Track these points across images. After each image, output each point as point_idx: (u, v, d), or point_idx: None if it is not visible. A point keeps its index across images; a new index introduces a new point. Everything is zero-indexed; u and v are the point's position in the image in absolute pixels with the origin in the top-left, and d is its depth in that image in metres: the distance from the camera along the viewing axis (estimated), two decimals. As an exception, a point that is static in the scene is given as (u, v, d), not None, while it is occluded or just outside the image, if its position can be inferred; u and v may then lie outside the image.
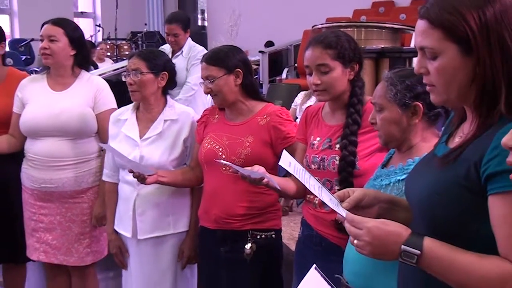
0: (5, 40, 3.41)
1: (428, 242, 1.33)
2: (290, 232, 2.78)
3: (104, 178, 3.04)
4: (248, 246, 2.58)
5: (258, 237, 2.61)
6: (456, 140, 1.45)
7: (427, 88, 1.46)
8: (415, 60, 4.89)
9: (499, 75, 1.33)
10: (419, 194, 1.44)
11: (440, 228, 1.36)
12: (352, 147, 2.28)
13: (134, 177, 2.64)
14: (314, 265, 1.37)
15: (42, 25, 3.14)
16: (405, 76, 1.95)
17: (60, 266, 3.22)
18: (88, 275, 3.27)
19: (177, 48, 5.03)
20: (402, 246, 1.33)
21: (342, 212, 1.48)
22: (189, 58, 5.01)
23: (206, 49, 5.30)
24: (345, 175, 2.27)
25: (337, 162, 2.30)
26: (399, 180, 1.90)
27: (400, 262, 1.35)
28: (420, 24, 1.41)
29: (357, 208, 1.52)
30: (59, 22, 3.13)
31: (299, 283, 2.43)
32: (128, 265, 2.95)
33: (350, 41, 2.36)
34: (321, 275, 1.33)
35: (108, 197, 3.02)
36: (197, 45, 5.23)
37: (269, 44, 10.93)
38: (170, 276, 2.88)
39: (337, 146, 2.33)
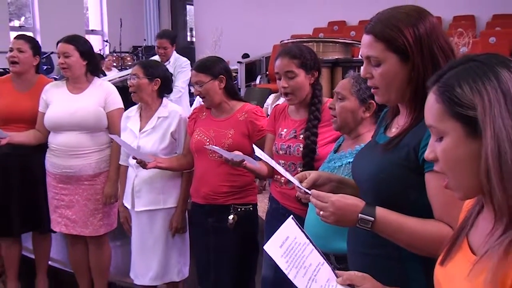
0: (39, 54, 3.39)
1: (380, 210, 1.35)
2: (264, 206, 2.81)
3: (121, 162, 3.07)
4: (231, 217, 2.61)
5: (239, 209, 2.64)
6: (393, 130, 1.47)
7: (372, 90, 1.47)
8: (362, 68, 5.00)
9: (429, 77, 1.36)
10: (367, 173, 1.46)
11: (386, 200, 1.38)
12: (313, 137, 2.32)
13: (137, 162, 2.67)
14: (291, 216, 1.36)
15: (57, 43, 3.14)
16: None
17: (79, 236, 3.21)
18: (102, 243, 3.28)
19: (165, 59, 5.02)
20: (359, 215, 1.35)
21: (303, 188, 1.50)
22: (175, 67, 5.00)
23: (194, 61, 5.33)
24: (308, 160, 2.31)
25: (301, 149, 2.34)
26: (349, 162, 1.93)
27: (357, 227, 1.36)
28: (366, 38, 1.42)
29: (313, 186, 1.54)
30: (69, 39, 3.12)
31: None
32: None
33: (311, 53, 2.40)
34: (297, 224, 1.32)
35: (121, 177, 3.05)
36: (181, 56, 5.25)
37: (245, 56, 10.92)
38: (161, 242, 2.88)
39: (301, 136, 2.36)
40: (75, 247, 3.32)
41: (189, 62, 5.20)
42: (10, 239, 3.43)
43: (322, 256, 1.30)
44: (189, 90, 5.23)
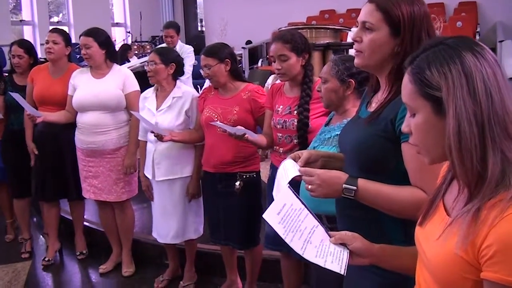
0: (71, 45, 3.34)
1: (361, 181, 1.29)
2: (266, 172, 2.75)
3: (140, 137, 2.99)
4: (237, 183, 2.54)
5: (244, 176, 2.57)
6: (374, 105, 1.38)
7: (355, 53, 1.37)
8: (351, 51, 4.86)
9: None
10: (352, 144, 1.38)
11: (368, 167, 1.31)
12: (306, 113, 2.25)
13: (154, 136, 2.60)
14: (288, 185, 1.28)
15: (79, 36, 3.07)
16: (346, 60, 1.95)
17: (105, 202, 3.18)
18: (125, 208, 3.24)
19: (172, 46, 4.90)
20: (344, 185, 1.29)
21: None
22: (181, 53, 4.86)
23: (203, 47, 5.23)
24: (302, 132, 2.24)
25: (295, 123, 2.26)
26: (337, 134, 1.87)
27: (342, 196, 1.30)
28: (368, 5, 1.33)
29: (306, 164, 1.45)
30: (88, 33, 3.05)
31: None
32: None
33: (302, 38, 2.32)
34: (293, 192, 1.24)
35: (141, 150, 2.98)
36: (185, 44, 5.20)
37: (248, 42, 10.80)
38: (180, 206, 2.84)
39: (295, 112, 2.28)
40: (103, 211, 3.30)
41: (192, 49, 5.17)
42: (49, 203, 3.42)
43: (316, 219, 1.21)
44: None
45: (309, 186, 1.31)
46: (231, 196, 2.58)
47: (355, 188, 1.28)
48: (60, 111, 3.16)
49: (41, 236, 3.98)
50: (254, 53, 9.75)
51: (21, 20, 10.53)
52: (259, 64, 9.39)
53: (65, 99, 3.16)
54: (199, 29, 14.29)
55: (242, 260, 2.85)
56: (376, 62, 1.33)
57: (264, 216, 1.20)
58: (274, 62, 2.31)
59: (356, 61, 1.37)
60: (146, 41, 11.34)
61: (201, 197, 2.91)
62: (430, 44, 0.96)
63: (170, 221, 2.85)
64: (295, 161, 1.46)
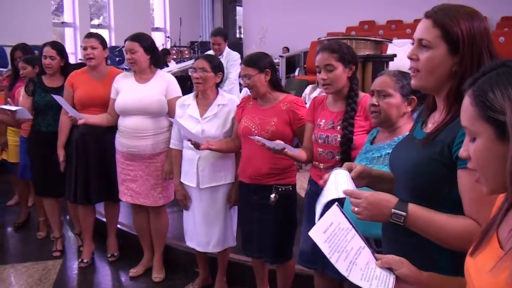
0: (107, 47, 3.38)
1: (412, 206, 1.23)
2: (300, 184, 2.72)
3: (171, 146, 2.97)
4: (272, 195, 2.51)
5: (280, 189, 2.53)
6: (430, 126, 1.33)
7: (412, 73, 1.32)
8: (391, 63, 4.75)
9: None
10: (404, 166, 1.33)
11: (420, 191, 1.26)
12: (350, 128, 2.19)
13: (191, 144, 2.59)
14: (336, 203, 1.24)
15: (125, 41, 3.08)
16: (404, 74, 1.86)
17: (141, 206, 3.19)
18: (160, 212, 3.24)
19: (219, 53, 4.89)
20: (393, 210, 1.23)
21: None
22: (228, 60, 4.88)
23: (241, 55, 5.23)
24: (345, 148, 2.18)
25: (338, 139, 2.20)
26: (388, 153, 1.79)
27: (390, 222, 1.25)
28: (425, 21, 1.27)
29: (357, 178, 1.42)
30: (134, 37, 3.07)
31: (307, 223, 2.36)
32: (190, 207, 2.90)
33: (349, 48, 2.26)
34: (341, 211, 1.21)
35: (174, 159, 2.95)
36: (232, 51, 5.11)
37: (285, 48, 10.82)
38: (222, 214, 2.82)
39: (338, 127, 2.23)
40: (138, 214, 3.31)
41: (239, 55, 5.07)
42: (87, 206, 3.46)
43: (363, 241, 1.18)
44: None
45: (356, 209, 1.27)
46: (265, 209, 2.55)
47: (405, 214, 1.22)
48: (101, 114, 3.19)
49: (72, 235, 4.05)
50: (291, 62, 9.73)
51: (62, 22, 10.84)
52: (296, 73, 9.37)
53: (106, 102, 3.19)
54: (237, 36, 14.41)
55: (273, 273, 2.81)
56: (433, 82, 1.28)
57: (310, 233, 1.17)
58: (319, 72, 2.26)
59: (412, 81, 1.32)
60: (185, 46, 11.50)
61: (236, 206, 2.90)
62: (491, 66, 0.93)
63: (212, 229, 2.83)
64: (349, 170, 1.42)
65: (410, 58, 1.30)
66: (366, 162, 1.87)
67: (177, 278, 3.29)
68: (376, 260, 1.15)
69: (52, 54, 3.47)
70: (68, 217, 4.35)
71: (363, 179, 1.42)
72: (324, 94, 2.39)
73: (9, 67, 4.43)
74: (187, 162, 2.85)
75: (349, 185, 1.31)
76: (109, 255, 3.57)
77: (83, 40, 3.30)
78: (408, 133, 1.70)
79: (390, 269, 1.13)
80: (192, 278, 3.18)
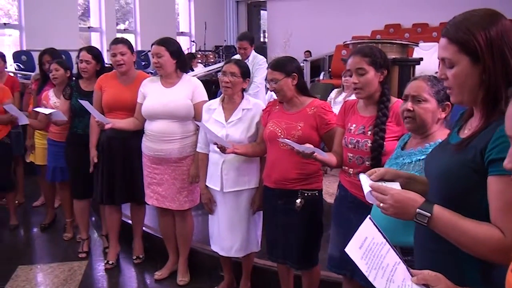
0: (134, 51, 3.41)
1: (437, 208, 1.22)
2: (326, 189, 2.69)
3: (198, 149, 2.99)
4: (298, 201, 2.48)
5: (306, 194, 2.51)
6: (466, 132, 1.32)
7: (447, 91, 1.32)
8: (417, 67, 4.67)
9: (499, 80, 1.20)
10: (437, 170, 1.32)
11: (452, 197, 1.24)
12: (382, 133, 2.15)
13: (217, 147, 2.60)
14: (369, 216, 1.25)
15: (152, 45, 3.11)
16: (439, 80, 1.83)
17: (167, 209, 3.21)
18: (186, 216, 3.25)
19: (245, 57, 4.91)
20: (417, 210, 1.23)
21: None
22: (253, 64, 4.88)
23: (266, 58, 5.22)
24: (376, 154, 2.14)
25: (369, 144, 2.17)
26: (419, 159, 1.78)
27: (415, 221, 1.24)
28: (442, 40, 1.28)
29: (385, 181, 1.42)
30: (161, 42, 3.08)
31: (336, 228, 2.34)
32: (214, 211, 2.91)
33: (381, 53, 2.23)
34: (374, 224, 1.21)
35: (201, 163, 2.96)
36: (258, 55, 5.12)
37: (307, 52, 10.79)
38: (246, 219, 2.82)
39: (369, 132, 2.19)
40: (164, 218, 3.32)
41: (265, 59, 5.07)
42: (112, 207, 3.50)
43: (398, 255, 1.17)
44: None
45: (381, 204, 1.28)
46: (291, 214, 2.53)
47: (429, 215, 1.22)
48: (128, 118, 3.23)
49: (98, 237, 4.10)
50: (316, 66, 9.70)
51: (89, 27, 11.03)
52: (321, 77, 9.33)
53: (133, 106, 3.22)
54: (262, 40, 14.43)
55: (298, 278, 2.79)
56: (467, 96, 1.27)
57: (346, 250, 1.17)
58: (350, 76, 2.24)
59: (451, 98, 1.33)
60: (210, 51, 11.57)
61: (261, 211, 2.88)
62: None
63: (236, 234, 2.83)
64: (370, 176, 1.42)
65: (440, 78, 1.32)
66: (396, 168, 1.83)
67: (201, 281, 3.29)
68: (412, 276, 1.14)
69: (87, 58, 3.54)
70: (93, 218, 4.41)
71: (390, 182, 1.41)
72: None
73: (37, 71, 4.50)
74: (212, 166, 2.86)
75: (367, 186, 1.33)
76: (134, 258, 3.60)
77: (111, 47, 3.32)
78: (440, 140, 1.69)
79: (426, 286, 1.12)
80: (216, 282, 3.18)
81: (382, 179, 1.43)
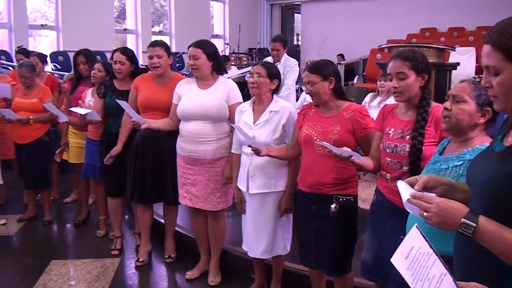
0: (171, 54, 3.44)
1: (483, 218, 1.18)
2: (359, 194, 2.65)
3: (233, 150, 3.01)
4: (333, 206, 2.45)
5: (341, 199, 2.47)
6: (510, 140, 1.28)
7: (491, 98, 1.27)
8: (454, 72, 4.56)
9: None
10: (481, 179, 1.27)
11: (495, 206, 1.20)
12: (420, 138, 2.10)
13: (252, 150, 2.59)
14: (416, 224, 1.22)
15: (188, 47, 3.13)
16: (482, 86, 1.78)
17: (200, 209, 3.22)
18: (219, 217, 3.26)
19: (277, 59, 4.90)
20: (462, 219, 1.19)
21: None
22: (285, 66, 4.87)
23: (299, 61, 5.20)
24: (415, 159, 2.09)
25: (407, 149, 2.12)
26: (456, 165, 1.72)
27: (459, 232, 1.20)
28: (485, 47, 1.23)
29: (424, 190, 1.37)
30: (198, 44, 3.11)
31: (371, 234, 2.29)
32: (246, 211, 2.93)
33: (423, 57, 2.17)
34: (421, 233, 1.18)
35: (234, 164, 2.98)
36: (290, 57, 5.09)
37: (340, 55, 10.70)
38: (271, 221, 2.81)
39: (408, 137, 2.14)
40: (196, 218, 3.34)
41: (297, 62, 5.07)
42: (144, 206, 3.54)
43: (444, 266, 1.13)
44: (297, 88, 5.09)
45: (425, 213, 1.23)
46: (325, 219, 2.50)
47: (475, 225, 1.17)
48: (163, 119, 3.26)
49: (131, 235, 4.15)
50: (350, 70, 9.60)
51: (124, 29, 11.24)
52: (355, 81, 9.22)
53: (168, 106, 3.25)
54: (295, 43, 14.41)
55: (330, 284, 2.75)
56: None
57: (392, 260, 1.14)
58: (391, 80, 2.19)
59: (494, 106, 1.28)
60: (243, 53, 11.62)
61: (292, 214, 2.87)
62: None
63: (261, 235, 2.84)
64: (412, 185, 1.38)
65: (485, 86, 1.27)
66: (433, 173, 1.78)
67: (232, 283, 3.29)
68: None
69: (122, 59, 3.60)
70: (127, 217, 4.48)
71: (432, 190, 1.37)
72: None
73: (72, 71, 4.60)
74: (241, 167, 2.89)
75: (407, 195, 1.29)
76: (166, 257, 3.63)
77: (148, 49, 3.35)
78: (479, 146, 1.62)
79: None
80: (247, 284, 3.17)
81: (425, 187, 1.39)
